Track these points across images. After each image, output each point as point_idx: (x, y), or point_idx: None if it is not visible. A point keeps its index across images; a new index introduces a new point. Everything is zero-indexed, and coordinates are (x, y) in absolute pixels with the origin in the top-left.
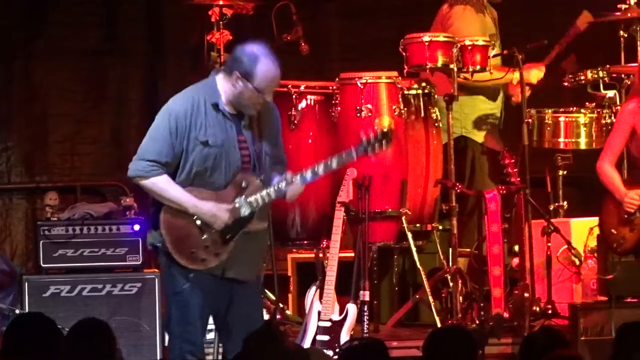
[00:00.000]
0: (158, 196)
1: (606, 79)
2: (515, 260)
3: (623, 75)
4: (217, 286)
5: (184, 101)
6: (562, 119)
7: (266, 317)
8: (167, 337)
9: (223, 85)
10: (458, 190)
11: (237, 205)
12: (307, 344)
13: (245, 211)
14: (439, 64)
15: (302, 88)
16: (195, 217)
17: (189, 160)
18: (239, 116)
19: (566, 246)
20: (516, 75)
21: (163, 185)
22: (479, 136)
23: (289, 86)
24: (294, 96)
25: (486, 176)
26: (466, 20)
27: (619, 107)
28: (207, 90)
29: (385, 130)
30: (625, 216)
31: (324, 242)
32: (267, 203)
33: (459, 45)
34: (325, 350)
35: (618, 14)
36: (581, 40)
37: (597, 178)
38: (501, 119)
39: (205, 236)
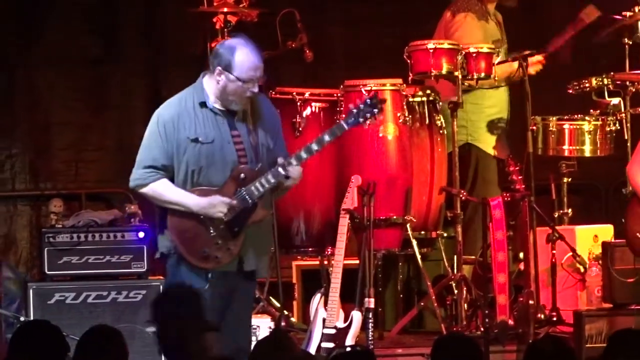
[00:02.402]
0: (159, 201)
1: (610, 86)
2: (521, 267)
3: (627, 83)
4: (228, 284)
5: (171, 105)
6: (566, 126)
7: (271, 324)
8: None
9: (209, 84)
10: (463, 198)
11: (238, 197)
12: (312, 351)
13: (248, 202)
14: (444, 71)
15: (306, 95)
16: (201, 215)
17: (182, 161)
18: (231, 112)
19: (571, 253)
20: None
21: (162, 189)
22: (485, 144)
23: (294, 93)
24: (298, 103)
25: (489, 184)
26: (468, 28)
27: (623, 115)
28: (195, 91)
29: (373, 96)
30: None
31: (329, 249)
32: (268, 189)
33: (464, 53)
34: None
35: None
36: (585, 47)
37: (603, 185)
38: (508, 123)
39: (214, 233)
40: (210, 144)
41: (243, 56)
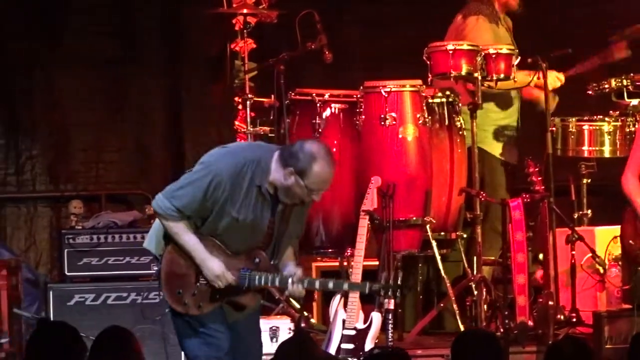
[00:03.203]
0: (171, 235)
1: (630, 87)
2: (539, 272)
3: None
4: None
5: (231, 168)
6: (586, 127)
7: (291, 325)
8: None
9: (275, 170)
10: (482, 199)
11: (240, 275)
12: (331, 352)
13: (244, 284)
14: (463, 72)
15: (326, 96)
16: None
17: (213, 223)
18: (277, 198)
19: (590, 254)
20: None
21: (180, 231)
22: (492, 147)
23: (314, 94)
24: (318, 104)
25: (497, 187)
26: (479, 31)
27: None
28: (258, 166)
29: (399, 283)
30: None
31: (349, 251)
32: (268, 287)
33: (483, 54)
34: (350, 359)
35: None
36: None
37: (620, 187)
38: (518, 129)
39: (198, 284)
40: (246, 225)
41: (320, 169)
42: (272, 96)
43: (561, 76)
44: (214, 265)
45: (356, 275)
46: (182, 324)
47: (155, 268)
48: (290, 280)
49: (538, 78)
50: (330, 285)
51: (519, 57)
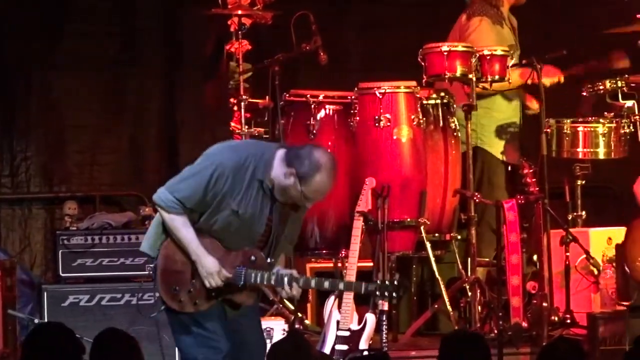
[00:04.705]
0: (169, 230)
1: (625, 88)
2: (531, 283)
3: None
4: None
5: (234, 161)
6: (580, 128)
7: (285, 326)
8: None
9: (277, 166)
10: (477, 200)
11: (236, 272)
12: (326, 353)
13: (240, 282)
14: (458, 73)
15: (320, 98)
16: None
17: (213, 217)
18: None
19: (584, 256)
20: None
21: (179, 224)
22: (493, 148)
23: (308, 96)
24: (312, 106)
25: (496, 188)
26: (483, 32)
27: (637, 117)
28: (261, 161)
29: (401, 284)
30: None
31: (343, 252)
32: (264, 285)
33: (478, 55)
34: None
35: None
36: (599, 49)
37: (617, 187)
38: (520, 128)
39: (193, 281)
40: (245, 220)
41: (321, 180)
42: (267, 97)
43: (561, 76)
44: (209, 263)
45: (350, 277)
46: (179, 324)
47: (151, 266)
48: (286, 280)
49: (532, 79)
50: (326, 284)
51: (517, 56)
